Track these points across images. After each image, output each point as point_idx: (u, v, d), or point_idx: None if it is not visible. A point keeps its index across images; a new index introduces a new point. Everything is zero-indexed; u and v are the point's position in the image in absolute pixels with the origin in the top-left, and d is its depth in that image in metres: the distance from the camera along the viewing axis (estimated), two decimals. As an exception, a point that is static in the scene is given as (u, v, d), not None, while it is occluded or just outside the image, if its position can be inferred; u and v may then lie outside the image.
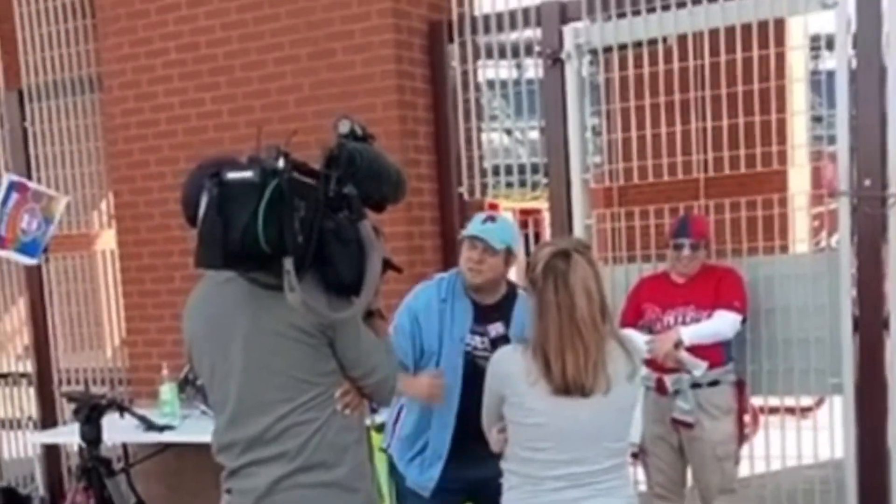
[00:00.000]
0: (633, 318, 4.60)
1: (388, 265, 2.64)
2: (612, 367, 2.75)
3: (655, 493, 4.71)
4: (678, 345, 4.37)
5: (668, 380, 4.46)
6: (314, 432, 2.64)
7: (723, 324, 4.45)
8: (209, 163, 2.58)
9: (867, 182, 4.49)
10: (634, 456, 4.54)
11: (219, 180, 2.42)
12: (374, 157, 2.58)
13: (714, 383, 4.49)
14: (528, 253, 4.48)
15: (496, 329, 3.62)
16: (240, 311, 2.63)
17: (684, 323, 4.48)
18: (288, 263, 2.38)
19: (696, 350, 4.39)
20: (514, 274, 4.04)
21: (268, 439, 2.64)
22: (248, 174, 2.41)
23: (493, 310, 3.65)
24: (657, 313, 4.57)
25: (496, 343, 3.48)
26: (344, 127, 2.55)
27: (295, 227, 2.40)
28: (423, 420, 3.69)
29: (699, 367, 4.39)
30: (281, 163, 2.41)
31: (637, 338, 4.36)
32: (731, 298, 4.48)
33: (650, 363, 4.34)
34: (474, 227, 3.62)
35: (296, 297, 2.40)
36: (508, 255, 3.62)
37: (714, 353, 4.46)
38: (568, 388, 2.71)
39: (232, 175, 2.42)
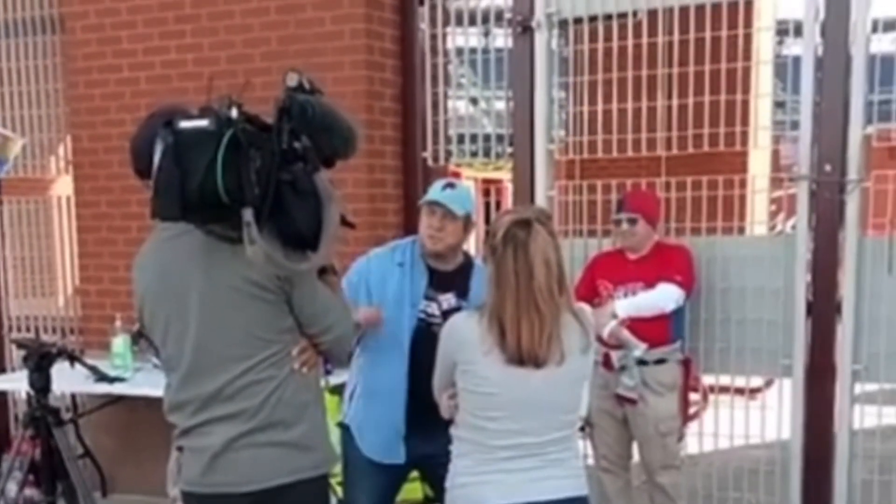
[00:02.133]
0: (588, 293, 4.60)
1: (342, 220, 2.61)
2: (566, 340, 2.75)
3: (601, 467, 4.76)
4: (620, 319, 4.37)
5: (615, 355, 4.48)
6: (272, 391, 2.63)
7: (660, 296, 4.46)
8: (160, 113, 2.54)
9: (827, 167, 4.53)
10: (581, 429, 4.57)
11: (173, 129, 2.38)
12: (326, 109, 2.53)
13: (660, 361, 4.52)
14: (488, 222, 4.46)
15: (448, 300, 3.58)
16: (194, 266, 2.61)
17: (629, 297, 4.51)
18: (248, 215, 2.35)
19: (641, 326, 4.40)
20: (472, 243, 4.02)
21: (224, 397, 2.63)
22: (203, 122, 2.37)
23: (448, 278, 3.62)
24: (609, 289, 4.59)
25: (447, 315, 3.42)
26: (292, 80, 2.50)
27: (252, 178, 2.37)
28: (368, 387, 3.65)
29: (639, 348, 4.41)
30: (234, 112, 2.38)
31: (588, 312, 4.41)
32: (672, 272, 4.50)
33: (595, 337, 4.36)
34: (434, 192, 3.57)
35: (257, 250, 2.37)
36: (468, 221, 3.58)
37: (660, 330, 4.49)
38: (522, 358, 2.70)
39: (186, 124, 2.38)
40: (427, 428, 3.38)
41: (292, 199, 2.45)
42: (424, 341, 3.44)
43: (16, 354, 6.02)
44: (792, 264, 4.65)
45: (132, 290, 2.81)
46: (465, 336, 2.79)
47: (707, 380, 5.26)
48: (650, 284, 4.49)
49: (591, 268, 4.74)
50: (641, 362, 4.47)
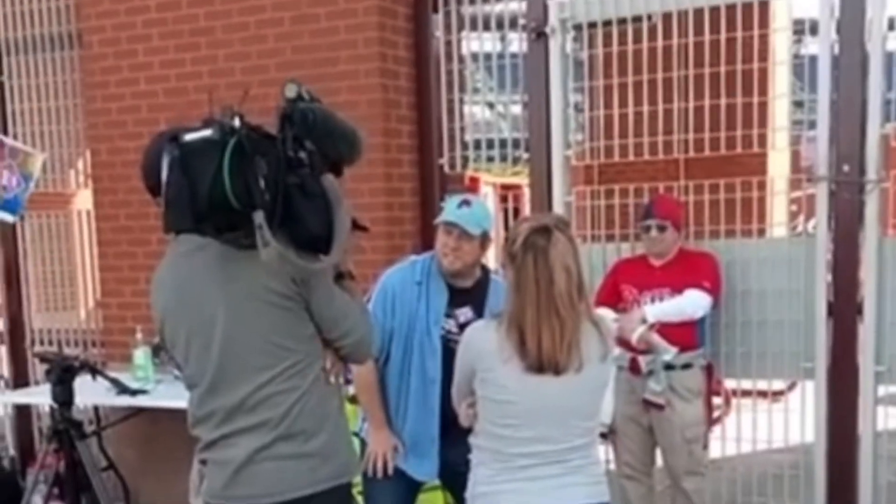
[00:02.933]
0: (610, 298, 4.60)
1: (354, 224, 2.62)
2: (585, 347, 2.75)
3: (623, 473, 4.74)
4: (649, 324, 4.36)
5: (643, 360, 4.46)
6: (296, 401, 2.64)
7: (689, 302, 4.45)
8: (167, 132, 2.56)
9: (846, 168, 4.49)
10: (604, 436, 4.55)
11: (178, 143, 2.40)
12: (327, 115, 2.55)
13: (687, 366, 4.50)
14: (507, 228, 4.46)
15: (464, 314, 3.59)
16: (212, 279, 2.62)
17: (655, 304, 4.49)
18: (259, 217, 2.36)
19: (669, 331, 4.39)
20: (491, 251, 4.02)
21: (248, 408, 2.64)
22: (206, 132, 2.40)
23: (466, 293, 3.62)
24: (634, 294, 4.57)
25: (464, 328, 3.45)
26: (291, 91, 2.51)
27: (260, 185, 2.38)
28: (400, 409, 3.65)
29: (669, 352, 4.40)
30: (237, 122, 2.40)
31: (606, 317, 4.39)
32: (700, 279, 4.48)
33: (622, 342, 4.34)
34: (450, 211, 3.56)
35: (271, 252, 2.37)
36: (485, 239, 3.58)
37: (688, 335, 4.47)
38: (542, 365, 2.70)
39: (190, 136, 2.40)
40: (450, 436, 3.41)
41: (301, 202, 2.46)
42: (445, 358, 3.48)
43: (39, 368, 6.04)
44: (812, 266, 4.61)
45: (152, 306, 2.82)
46: (484, 345, 2.79)
47: (729, 384, 5.22)
48: (677, 290, 4.47)
49: (615, 273, 4.72)
50: (668, 367, 4.45)
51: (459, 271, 3.57)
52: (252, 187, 2.37)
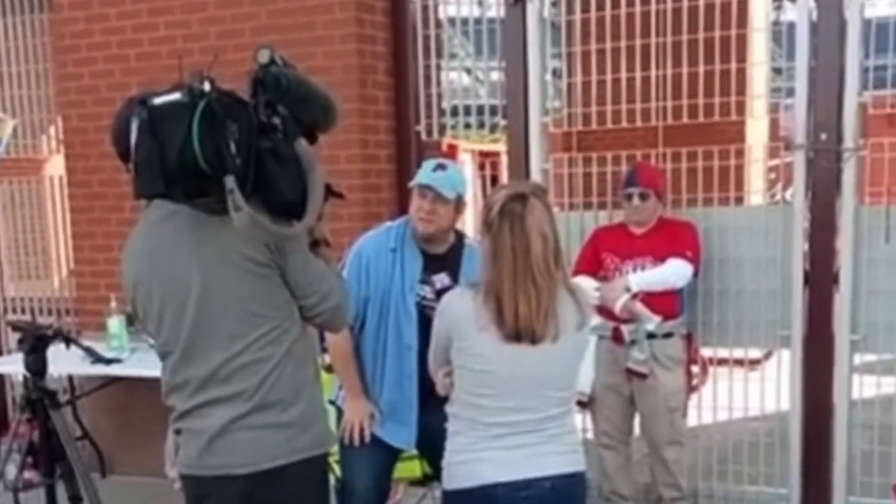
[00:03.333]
0: (590, 266, 4.59)
1: (329, 191, 2.58)
2: (562, 315, 2.72)
3: (602, 443, 4.75)
4: (633, 294, 4.36)
5: (626, 329, 4.46)
6: (271, 370, 2.62)
7: (671, 271, 4.45)
8: (137, 96, 2.50)
9: (823, 136, 4.49)
10: (582, 404, 4.56)
11: (146, 106, 2.35)
12: (301, 80, 2.50)
13: (668, 335, 4.51)
14: (485, 195, 4.41)
15: (441, 280, 3.57)
16: (185, 246, 2.58)
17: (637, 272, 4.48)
18: (230, 182, 2.32)
19: (650, 300, 4.39)
20: (469, 217, 3.99)
21: (221, 378, 2.61)
22: (175, 96, 2.36)
23: (441, 259, 3.60)
24: (616, 263, 4.56)
25: (441, 294, 3.43)
26: (264, 56, 2.46)
27: (231, 149, 2.34)
28: (377, 376, 3.64)
29: (652, 321, 4.40)
30: (206, 86, 2.35)
31: (587, 286, 4.36)
32: (682, 248, 4.48)
33: (604, 312, 4.35)
34: (425, 175, 3.54)
35: (243, 216, 2.33)
36: (459, 203, 3.56)
37: (669, 304, 4.48)
38: (519, 334, 2.68)
39: (160, 100, 2.36)
40: (428, 405, 3.40)
41: (274, 167, 2.42)
42: (421, 325, 3.46)
43: (12, 337, 5.99)
44: (789, 234, 4.63)
45: (122, 277, 2.78)
46: (461, 313, 2.76)
47: (706, 352, 5.24)
48: (659, 259, 4.47)
49: (594, 241, 4.70)
50: (650, 336, 4.45)
51: (433, 236, 3.55)
52: (223, 152, 2.33)
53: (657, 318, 4.40)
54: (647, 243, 4.53)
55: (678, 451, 4.67)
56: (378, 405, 3.64)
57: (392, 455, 3.75)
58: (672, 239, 4.52)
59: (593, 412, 4.74)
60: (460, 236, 3.69)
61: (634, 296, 4.36)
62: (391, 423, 3.64)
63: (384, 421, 3.64)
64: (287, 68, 2.50)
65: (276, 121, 2.43)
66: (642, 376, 4.50)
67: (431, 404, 3.22)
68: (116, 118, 2.58)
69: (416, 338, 3.50)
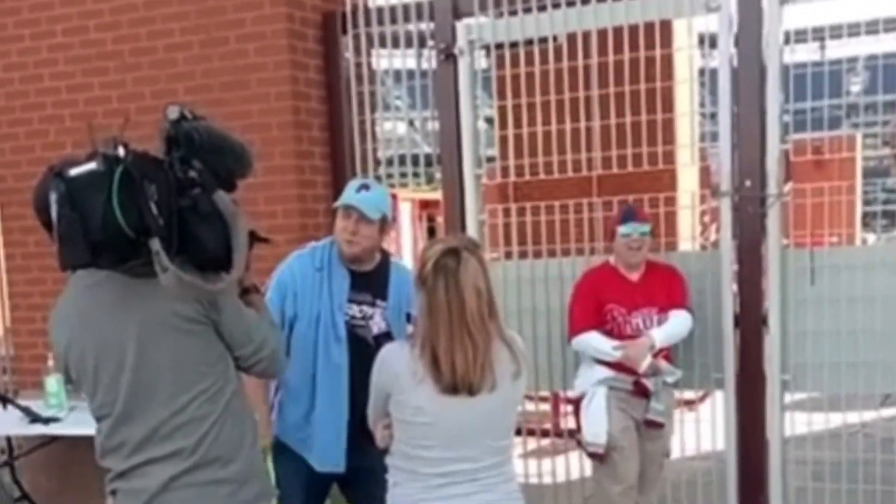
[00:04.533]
0: (597, 320, 4.52)
1: (254, 237, 2.62)
2: (498, 367, 2.78)
3: (617, 492, 4.56)
4: (653, 350, 4.41)
5: (649, 383, 4.48)
6: (210, 427, 2.63)
7: (682, 326, 4.53)
8: (56, 166, 2.50)
9: (748, 183, 4.61)
10: (598, 456, 4.52)
11: (63, 178, 2.36)
12: (212, 132, 2.52)
13: (675, 384, 4.60)
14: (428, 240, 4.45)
15: (365, 298, 3.62)
16: (120, 309, 2.59)
17: (648, 325, 4.48)
18: (155, 244, 2.34)
19: (663, 353, 4.49)
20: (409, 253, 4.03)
21: (161, 436, 2.61)
22: (91, 165, 2.36)
23: (367, 277, 3.64)
24: (623, 315, 4.52)
25: (368, 314, 3.53)
26: (173, 113, 2.49)
27: (153, 210, 2.36)
28: (306, 397, 3.63)
29: (674, 374, 4.50)
30: (121, 151, 2.36)
31: (604, 345, 4.43)
32: (683, 299, 4.56)
33: (622, 367, 4.40)
34: (349, 195, 3.58)
35: (170, 276, 2.35)
36: (384, 223, 3.61)
37: (670, 354, 4.58)
38: (456, 386, 2.73)
39: (76, 170, 2.36)
40: (357, 440, 3.45)
41: (196, 223, 2.44)
42: (350, 345, 3.53)
43: (-51, 398, 5.90)
44: (718, 278, 4.73)
45: (52, 342, 2.78)
46: (398, 367, 2.81)
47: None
48: (662, 310, 4.50)
49: (594, 291, 4.58)
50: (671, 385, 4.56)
51: (358, 256, 3.58)
52: (145, 215, 2.35)
53: (678, 372, 4.50)
54: (647, 292, 4.52)
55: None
56: (308, 425, 3.64)
57: (325, 489, 3.77)
58: (668, 288, 4.55)
59: (610, 463, 4.57)
60: (386, 255, 3.74)
61: (657, 353, 4.43)
62: (320, 446, 3.64)
63: (313, 445, 3.64)
64: (197, 121, 2.51)
65: (193, 175, 2.45)
66: (660, 426, 4.54)
67: (361, 439, 3.25)
68: (36, 189, 2.58)
69: (347, 357, 3.54)
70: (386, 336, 3.58)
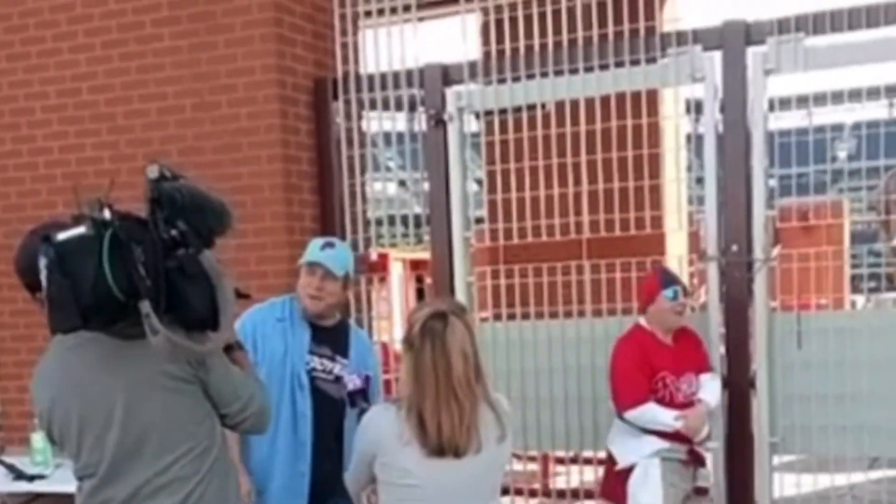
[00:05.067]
0: (649, 388, 4.37)
1: (237, 293, 2.64)
2: (483, 429, 2.80)
3: None
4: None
5: (700, 449, 4.47)
6: (195, 486, 2.63)
7: (718, 387, 4.54)
8: (39, 229, 2.55)
9: (734, 247, 4.66)
10: None
11: (52, 243, 2.38)
12: (193, 192, 2.54)
13: None
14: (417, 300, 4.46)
15: (325, 352, 3.67)
16: (107, 369, 2.60)
17: (692, 390, 4.43)
18: (145, 307, 2.36)
19: None
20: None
21: (144, 496, 2.61)
22: (80, 230, 2.38)
23: (326, 332, 3.71)
24: (672, 381, 4.41)
25: (328, 367, 3.61)
26: (153, 172, 2.50)
27: (141, 272, 2.38)
28: (267, 445, 3.62)
29: (710, 439, 4.50)
30: (107, 213, 2.39)
31: (665, 417, 4.31)
32: (706, 360, 4.57)
33: (675, 436, 4.32)
34: (313, 253, 3.65)
35: (160, 338, 2.37)
36: (346, 280, 3.69)
37: None
38: (442, 449, 2.74)
39: (64, 235, 2.38)
40: (326, 477, 3.51)
41: (183, 284, 2.46)
42: (312, 395, 3.60)
43: (-68, 457, 5.87)
44: (707, 340, 4.73)
45: (34, 402, 2.78)
46: (384, 430, 2.81)
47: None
48: (694, 373, 4.46)
49: (644, 358, 4.40)
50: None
51: (322, 312, 3.65)
52: (134, 277, 2.37)
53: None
54: (685, 356, 4.46)
55: None
56: (271, 473, 3.64)
57: None
58: (698, 350, 4.54)
59: None
60: (344, 318, 3.85)
61: None
62: (279, 490, 3.64)
63: (276, 492, 3.65)
64: (177, 180, 2.53)
65: (176, 234, 2.47)
66: (706, 492, 4.52)
67: (333, 482, 3.30)
68: (20, 251, 2.62)
69: (310, 406, 3.59)
70: (360, 393, 3.65)
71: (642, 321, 4.49)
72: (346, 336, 3.74)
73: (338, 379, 3.67)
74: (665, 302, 4.37)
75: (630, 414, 4.34)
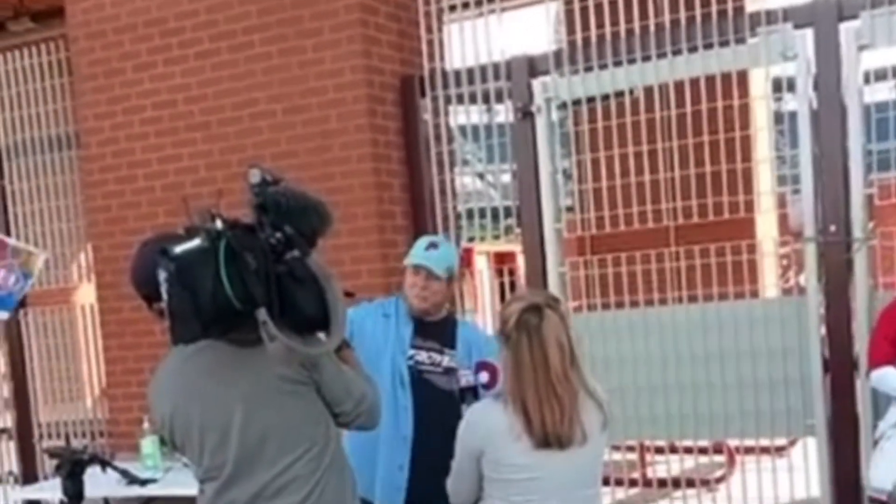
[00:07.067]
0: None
1: (345, 293, 2.68)
2: (586, 419, 2.81)
3: None
4: None
5: None
6: (315, 484, 2.69)
7: None
8: (150, 242, 2.63)
9: (832, 228, 4.59)
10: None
11: (170, 256, 2.43)
12: (296, 195, 2.58)
13: None
14: (503, 299, 4.48)
15: (433, 346, 3.74)
16: (224, 377, 2.67)
17: None
18: (262, 314, 2.41)
19: None
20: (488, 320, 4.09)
21: (269, 495, 2.68)
22: (196, 242, 2.44)
23: (433, 326, 3.78)
24: None
25: (436, 360, 3.67)
26: (255, 177, 2.54)
27: (254, 279, 2.43)
28: (370, 439, 3.62)
29: None
30: (219, 224, 2.45)
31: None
32: None
33: None
34: (417, 254, 3.76)
35: (278, 344, 2.43)
36: (451, 278, 3.77)
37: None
38: (548, 441, 2.77)
39: (181, 248, 2.44)
40: (420, 470, 3.55)
41: (294, 289, 2.50)
42: (416, 387, 3.65)
43: (47, 462, 6.08)
44: (805, 323, 4.69)
45: (152, 410, 2.86)
46: (494, 426, 2.83)
47: (731, 442, 5.26)
48: None
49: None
50: None
51: (428, 310, 3.75)
52: (249, 285, 2.43)
53: None
54: None
55: None
56: (373, 467, 3.67)
57: None
58: None
59: None
60: (452, 313, 3.92)
61: None
62: (382, 487, 3.68)
63: (376, 485, 3.68)
64: (278, 184, 2.57)
65: (282, 238, 2.50)
66: None
67: (424, 469, 3.38)
68: (135, 265, 2.70)
69: (411, 400, 3.65)
70: (471, 391, 3.64)
71: None
72: (453, 329, 3.81)
73: (447, 371, 3.72)
74: None
75: (872, 376, 4.25)
